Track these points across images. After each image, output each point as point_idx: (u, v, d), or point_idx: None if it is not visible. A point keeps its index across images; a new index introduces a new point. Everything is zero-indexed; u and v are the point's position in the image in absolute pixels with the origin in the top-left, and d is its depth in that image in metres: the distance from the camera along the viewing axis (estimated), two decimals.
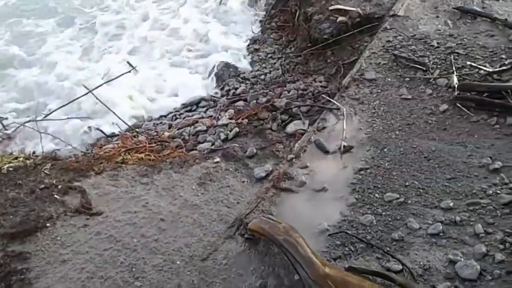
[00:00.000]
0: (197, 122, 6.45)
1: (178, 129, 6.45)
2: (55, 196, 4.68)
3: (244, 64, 8.27)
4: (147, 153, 5.61)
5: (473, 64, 5.81)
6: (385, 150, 4.85)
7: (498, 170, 4.36)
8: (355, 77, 6.01)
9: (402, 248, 3.77)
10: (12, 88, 8.29)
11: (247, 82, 7.68)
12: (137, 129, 6.58)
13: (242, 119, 6.08)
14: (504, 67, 5.65)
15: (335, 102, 5.67)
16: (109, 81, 7.32)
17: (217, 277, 3.76)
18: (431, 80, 5.74)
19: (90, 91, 6.87)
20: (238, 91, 7.42)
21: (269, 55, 8.31)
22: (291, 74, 7.49)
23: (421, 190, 4.30)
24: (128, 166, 5.21)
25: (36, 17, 10.52)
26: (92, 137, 6.96)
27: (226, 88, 7.65)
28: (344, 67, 6.89)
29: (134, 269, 3.88)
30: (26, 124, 6.78)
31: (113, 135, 6.79)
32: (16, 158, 5.44)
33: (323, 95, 6.23)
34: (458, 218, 3.93)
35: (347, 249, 3.83)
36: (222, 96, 7.49)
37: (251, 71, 7.99)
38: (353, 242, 3.88)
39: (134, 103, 7.60)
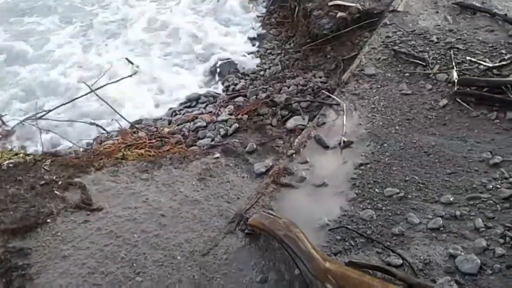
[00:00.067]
0: (196, 118, 6.44)
1: (178, 125, 6.44)
2: (56, 192, 4.68)
3: (244, 60, 8.25)
4: (147, 149, 5.60)
5: (472, 59, 5.82)
6: (385, 145, 4.85)
7: (498, 165, 4.37)
8: (354, 73, 6.01)
9: (403, 243, 3.78)
10: (14, 85, 8.28)
11: (247, 77, 7.68)
12: (137, 125, 6.57)
13: (242, 114, 6.07)
14: (503, 62, 5.66)
15: (335, 97, 5.67)
16: (111, 82, 7.29)
17: (217, 272, 3.76)
18: (431, 75, 5.74)
19: (93, 91, 6.90)
20: (237, 87, 7.42)
21: (268, 51, 8.31)
22: (290, 70, 7.49)
23: (421, 185, 4.30)
24: (128, 162, 5.21)
25: (37, 15, 10.51)
26: (92, 133, 6.94)
27: (226, 84, 7.65)
28: (343, 62, 6.89)
29: (135, 265, 3.88)
30: (27, 121, 6.78)
31: (113, 131, 6.78)
32: (16, 154, 5.44)
33: (323, 91, 6.22)
34: (458, 213, 3.94)
35: (347, 244, 3.84)
36: (222, 92, 7.48)
37: (251, 67, 7.98)
38: (353, 237, 3.88)
39: (134, 101, 7.59)
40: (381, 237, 3.85)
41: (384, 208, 4.12)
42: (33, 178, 4.89)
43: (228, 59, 8.23)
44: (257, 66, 8.00)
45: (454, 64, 5.75)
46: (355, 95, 5.65)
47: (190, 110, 7.11)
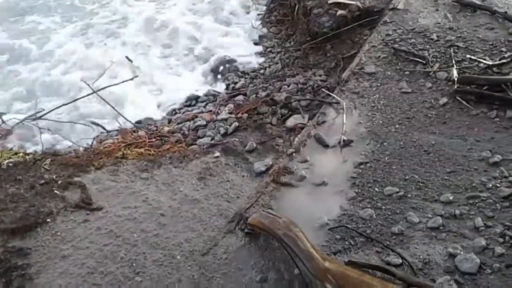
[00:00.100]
0: (196, 116, 6.44)
1: (178, 123, 6.44)
2: (55, 191, 4.68)
3: (244, 59, 8.24)
4: (147, 148, 5.60)
5: (472, 57, 5.81)
6: (385, 144, 4.85)
7: (497, 164, 4.36)
8: (354, 71, 6.01)
9: (402, 242, 3.77)
10: (14, 84, 8.29)
11: (247, 76, 7.68)
12: (136, 124, 6.57)
13: (242, 113, 6.07)
14: (504, 60, 5.66)
15: (335, 96, 5.67)
16: (113, 85, 7.27)
17: (217, 271, 3.76)
18: (430, 74, 5.74)
19: (95, 92, 6.91)
20: (237, 86, 7.42)
21: (268, 49, 8.31)
22: (290, 68, 7.49)
23: (421, 184, 4.30)
24: (128, 161, 5.20)
25: (38, 14, 10.51)
26: (92, 132, 6.94)
27: (226, 82, 7.65)
28: (343, 61, 6.89)
29: (134, 264, 3.88)
30: (27, 120, 6.78)
31: (113, 130, 6.79)
32: (16, 153, 5.45)
33: (323, 89, 6.22)
34: (457, 212, 3.93)
35: (347, 243, 3.83)
36: (222, 90, 7.48)
37: (249, 65, 7.97)
38: (353, 236, 3.88)
39: (134, 102, 7.58)
40: (381, 236, 3.85)
41: (383, 207, 4.12)
42: (32, 177, 4.88)
43: (228, 57, 8.22)
44: (257, 64, 7.98)
45: (454, 62, 5.74)
46: (355, 94, 5.64)
47: (190, 109, 7.12)
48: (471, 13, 6.70)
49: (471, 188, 4.16)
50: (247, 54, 8.37)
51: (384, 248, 3.73)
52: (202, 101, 7.23)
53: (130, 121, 6.67)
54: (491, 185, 4.14)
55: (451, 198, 4.08)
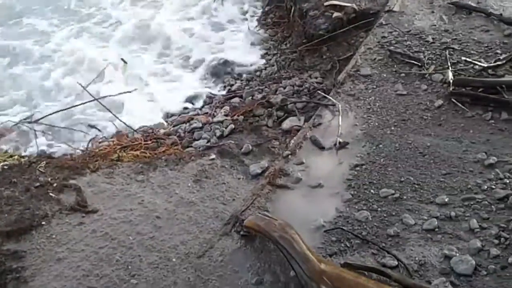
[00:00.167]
0: (192, 119, 6.43)
1: (174, 126, 6.43)
2: (50, 194, 4.67)
3: (239, 61, 8.23)
4: (142, 150, 5.59)
5: (468, 59, 5.82)
6: (381, 146, 4.85)
7: (493, 165, 4.37)
8: (350, 73, 6.00)
9: (398, 244, 3.78)
10: (12, 87, 8.26)
11: (243, 78, 7.67)
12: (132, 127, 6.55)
13: (238, 115, 6.07)
14: (499, 62, 5.66)
15: (330, 98, 5.67)
16: (113, 95, 7.21)
17: (213, 274, 3.76)
18: (426, 76, 5.74)
19: (96, 99, 6.92)
20: (233, 88, 7.41)
21: (264, 52, 8.29)
22: (286, 70, 7.47)
23: (417, 186, 4.30)
24: (124, 164, 5.19)
25: (35, 16, 10.50)
26: (87, 135, 6.92)
27: (222, 84, 7.64)
28: (339, 63, 6.88)
29: (130, 267, 3.87)
30: (22, 122, 6.77)
31: (108, 133, 6.77)
32: (11, 156, 5.43)
33: (319, 91, 6.22)
34: (453, 214, 3.94)
35: (342, 245, 3.83)
36: (218, 92, 7.47)
37: (246, 68, 7.97)
38: (348, 238, 3.88)
39: (131, 107, 7.55)
40: (377, 238, 3.85)
41: (379, 209, 4.12)
42: (28, 180, 4.87)
43: (223, 60, 8.21)
44: (253, 66, 7.98)
45: (449, 64, 5.75)
46: (350, 96, 5.64)
47: (185, 111, 7.09)
48: (466, 15, 6.71)
49: (466, 190, 4.17)
50: (243, 56, 8.34)
51: (380, 250, 3.74)
52: (198, 103, 7.22)
53: (131, 127, 6.61)
54: (486, 187, 4.15)
55: (446, 200, 4.09)
